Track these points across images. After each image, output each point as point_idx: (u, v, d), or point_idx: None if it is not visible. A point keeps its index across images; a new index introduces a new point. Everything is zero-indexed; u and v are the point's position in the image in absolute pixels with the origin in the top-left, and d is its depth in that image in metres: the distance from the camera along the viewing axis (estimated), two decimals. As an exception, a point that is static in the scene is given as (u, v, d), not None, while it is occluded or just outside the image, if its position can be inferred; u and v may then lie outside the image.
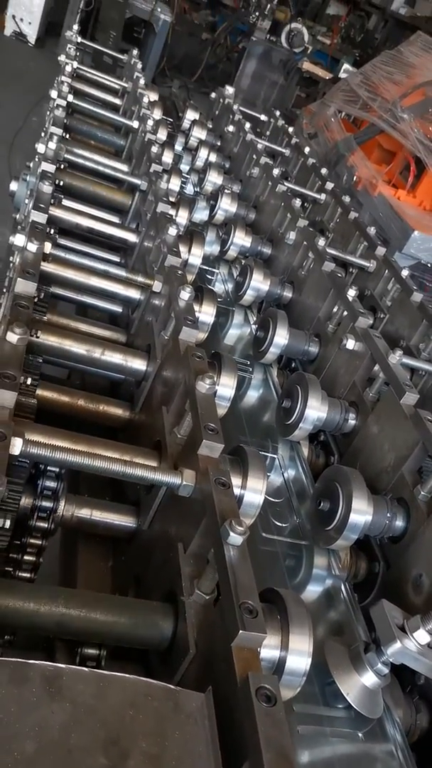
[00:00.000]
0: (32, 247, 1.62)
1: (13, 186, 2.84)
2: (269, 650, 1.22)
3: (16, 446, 1.12)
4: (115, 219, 2.77)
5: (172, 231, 2.02)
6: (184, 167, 4.07)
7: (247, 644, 0.97)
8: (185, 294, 1.70)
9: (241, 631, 0.96)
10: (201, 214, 3.58)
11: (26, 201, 2.74)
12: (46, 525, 1.35)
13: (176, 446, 1.45)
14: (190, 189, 3.84)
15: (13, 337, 1.25)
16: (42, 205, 1.84)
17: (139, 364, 1.80)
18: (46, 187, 1.89)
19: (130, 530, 1.54)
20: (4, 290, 1.93)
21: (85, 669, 0.86)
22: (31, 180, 2.79)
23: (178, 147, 4.29)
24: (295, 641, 1.22)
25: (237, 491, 1.52)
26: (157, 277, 1.92)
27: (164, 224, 2.06)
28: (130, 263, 2.43)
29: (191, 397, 1.40)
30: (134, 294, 2.09)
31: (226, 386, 1.85)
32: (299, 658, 1.22)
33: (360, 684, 1.44)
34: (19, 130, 7.97)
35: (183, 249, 2.42)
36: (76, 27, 4.01)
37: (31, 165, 3.13)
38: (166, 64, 12.38)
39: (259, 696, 0.87)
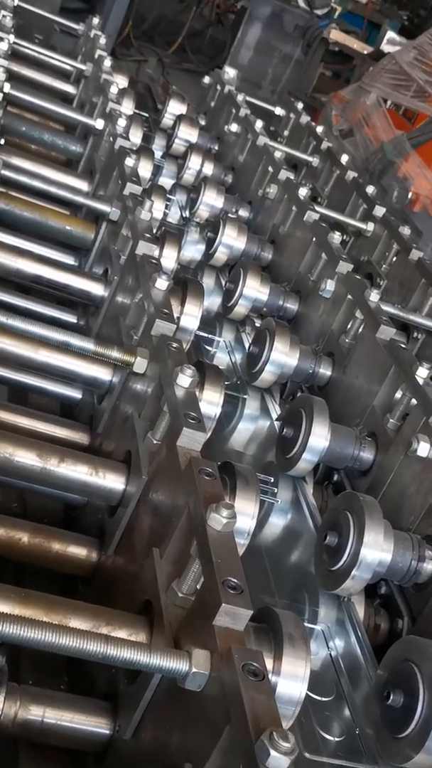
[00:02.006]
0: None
1: None
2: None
3: None
4: (70, 260, 2.88)
5: (161, 284, 2.10)
6: (166, 180, 4.24)
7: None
8: (185, 379, 1.76)
9: None
10: (192, 251, 3.72)
11: None
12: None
13: (176, 610, 1.46)
14: (174, 213, 4.00)
15: None
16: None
17: (113, 482, 1.84)
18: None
19: (101, 739, 1.53)
20: None
21: None
22: None
23: (157, 151, 4.48)
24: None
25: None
26: (140, 351, 1.98)
27: (149, 274, 2.14)
28: (94, 327, 2.50)
29: (200, 537, 1.43)
30: (103, 374, 2.15)
31: (245, 514, 1.88)
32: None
33: None
34: None
35: (173, 304, 2.52)
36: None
37: None
38: (132, 30, 13.03)
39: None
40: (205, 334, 3.04)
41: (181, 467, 1.60)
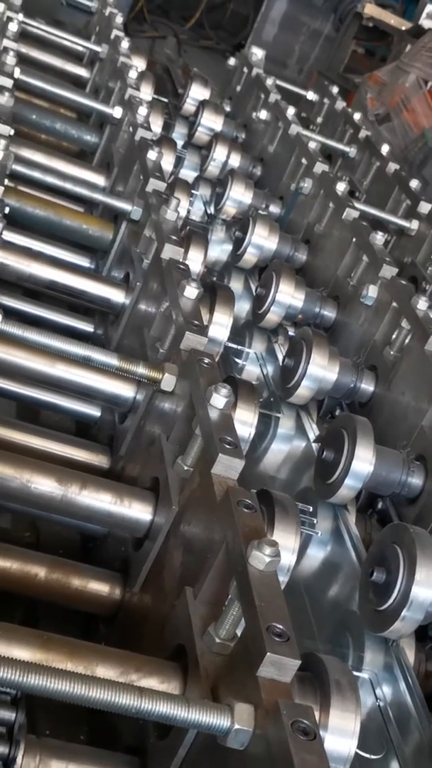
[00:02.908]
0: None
1: None
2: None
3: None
4: (86, 262, 2.89)
5: (191, 292, 2.10)
6: (188, 173, 4.26)
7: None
8: (219, 399, 1.75)
9: None
10: (217, 251, 3.72)
11: None
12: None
13: (213, 657, 1.46)
14: (197, 208, 4.01)
15: None
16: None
17: (139, 512, 1.84)
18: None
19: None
20: None
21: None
22: None
23: (178, 140, 4.50)
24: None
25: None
26: (168, 367, 1.98)
27: (177, 281, 2.14)
28: (114, 337, 2.51)
29: (240, 577, 1.43)
30: (126, 391, 2.15)
31: (284, 548, 1.87)
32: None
33: None
34: None
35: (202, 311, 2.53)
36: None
37: None
38: (146, 3, 13.07)
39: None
40: (234, 345, 3.03)
41: (217, 498, 1.60)
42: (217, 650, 1.45)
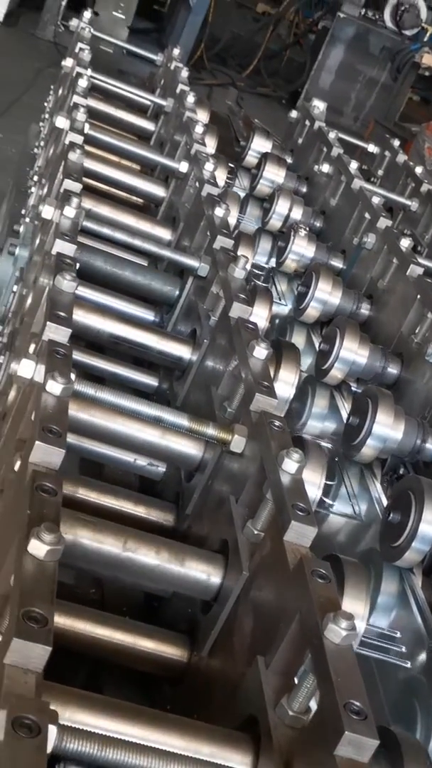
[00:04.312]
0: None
1: (-7, 261, 3.03)
2: None
3: (51, 739, 1.14)
4: (150, 316, 2.91)
5: (260, 352, 2.11)
6: (249, 225, 4.29)
7: None
8: (291, 464, 1.75)
9: None
10: (278, 305, 3.74)
11: (14, 288, 2.92)
12: None
13: (286, 731, 1.44)
14: (260, 260, 4.04)
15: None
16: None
17: (208, 574, 1.83)
18: (67, 283, 2.01)
19: None
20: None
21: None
22: (21, 253, 2.98)
23: (239, 191, 4.55)
24: None
25: None
26: (238, 429, 1.99)
27: (246, 341, 2.15)
28: (180, 393, 2.52)
29: (315, 650, 1.41)
30: (194, 450, 2.16)
31: (356, 615, 1.86)
32: None
33: None
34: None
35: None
36: (88, 14, 4.37)
37: (21, 229, 3.36)
38: (205, 51, 13.28)
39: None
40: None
41: (290, 566, 1.59)
42: (290, 723, 1.44)
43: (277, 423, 1.91)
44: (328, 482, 2.50)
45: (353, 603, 1.88)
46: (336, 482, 2.77)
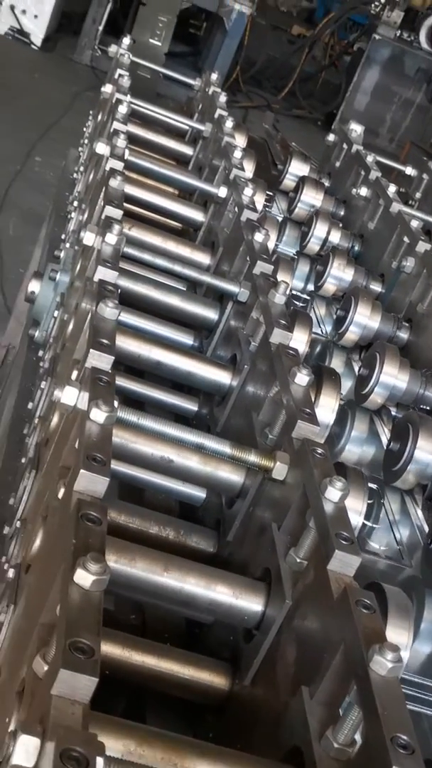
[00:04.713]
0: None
1: (34, 286, 3.05)
2: None
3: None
4: (189, 341, 2.92)
5: (301, 379, 2.11)
6: (287, 249, 4.30)
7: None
8: (335, 492, 1.75)
9: None
10: (317, 329, 3.73)
11: (55, 313, 2.94)
12: None
13: (331, 763, 1.43)
14: (295, 284, 4.04)
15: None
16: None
17: (251, 603, 1.83)
18: (110, 310, 2.02)
19: None
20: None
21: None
22: (62, 279, 3.00)
23: (276, 213, 4.56)
24: None
25: None
26: (280, 456, 1.99)
27: (287, 367, 2.15)
28: (220, 418, 2.52)
29: (361, 682, 1.41)
30: (235, 476, 2.16)
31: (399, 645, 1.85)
32: None
33: None
34: (16, 177, 8.62)
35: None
36: (127, 41, 4.41)
37: (61, 255, 3.38)
38: (240, 74, 13.37)
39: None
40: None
41: (334, 595, 1.58)
42: (335, 755, 1.43)
43: (319, 450, 1.90)
44: (369, 508, 2.50)
45: (397, 632, 1.87)
46: (376, 508, 2.76)
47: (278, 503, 1.97)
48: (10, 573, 2.08)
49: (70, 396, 1.84)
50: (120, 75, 3.83)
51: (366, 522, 2.55)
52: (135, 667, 1.86)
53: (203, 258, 3.17)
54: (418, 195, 4.93)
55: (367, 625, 1.49)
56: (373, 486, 2.72)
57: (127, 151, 3.18)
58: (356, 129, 4.88)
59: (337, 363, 3.48)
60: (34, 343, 3.19)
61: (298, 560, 1.76)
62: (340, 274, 3.71)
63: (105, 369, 1.86)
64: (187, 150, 4.16)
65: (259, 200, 3.72)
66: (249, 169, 3.93)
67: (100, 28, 12.28)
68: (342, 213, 4.54)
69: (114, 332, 1.99)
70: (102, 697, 1.32)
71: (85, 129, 4.87)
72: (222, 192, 3.33)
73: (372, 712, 1.37)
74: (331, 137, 5.06)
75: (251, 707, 1.78)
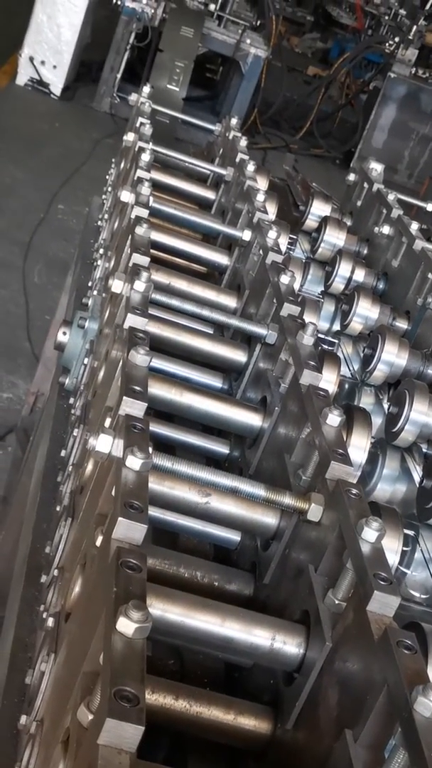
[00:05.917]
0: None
1: (63, 336, 3.09)
2: None
3: None
4: (218, 383, 2.94)
5: (333, 420, 2.12)
6: (312, 287, 4.32)
7: None
8: (371, 533, 1.75)
9: None
10: (343, 368, 3.74)
11: (85, 361, 2.97)
12: None
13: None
14: (322, 326, 4.06)
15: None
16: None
17: (291, 646, 1.83)
18: (141, 357, 2.04)
19: None
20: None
21: None
22: (91, 326, 3.03)
23: (299, 253, 4.59)
24: None
25: None
26: (314, 497, 1.99)
27: (318, 408, 2.16)
28: (253, 461, 2.53)
29: (405, 724, 1.40)
30: (270, 518, 2.16)
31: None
32: None
33: None
34: (39, 225, 8.73)
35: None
36: (147, 89, 4.48)
37: (89, 302, 3.42)
38: (258, 116, 13.53)
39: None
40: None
41: (374, 637, 1.59)
42: (380, 799, 1.43)
43: (354, 491, 1.91)
44: (405, 548, 2.49)
45: (438, 672, 1.85)
46: (411, 547, 2.75)
47: (314, 545, 1.97)
48: (50, 622, 2.09)
49: (105, 443, 1.85)
50: (141, 123, 3.88)
51: (401, 567, 2.54)
52: (177, 714, 1.86)
53: (230, 301, 3.20)
54: (440, 231, 4.95)
55: (410, 666, 1.49)
56: (410, 532, 2.69)
57: (151, 199, 3.23)
58: (376, 168, 4.92)
59: (365, 401, 3.49)
60: (65, 391, 3.22)
61: (337, 602, 1.76)
62: (366, 313, 3.72)
63: (138, 416, 1.88)
64: (209, 194, 4.21)
65: (283, 242, 3.75)
66: (272, 212, 3.97)
67: (119, 75, 12.48)
68: (365, 251, 4.56)
69: (146, 379, 2.01)
70: (145, 745, 1.33)
71: (107, 177, 4.94)
72: (246, 235, 3.36)
73: (418, 754, 1.36)
74: (351, 176, 5.10)
75: (294, 751, 1.77)
